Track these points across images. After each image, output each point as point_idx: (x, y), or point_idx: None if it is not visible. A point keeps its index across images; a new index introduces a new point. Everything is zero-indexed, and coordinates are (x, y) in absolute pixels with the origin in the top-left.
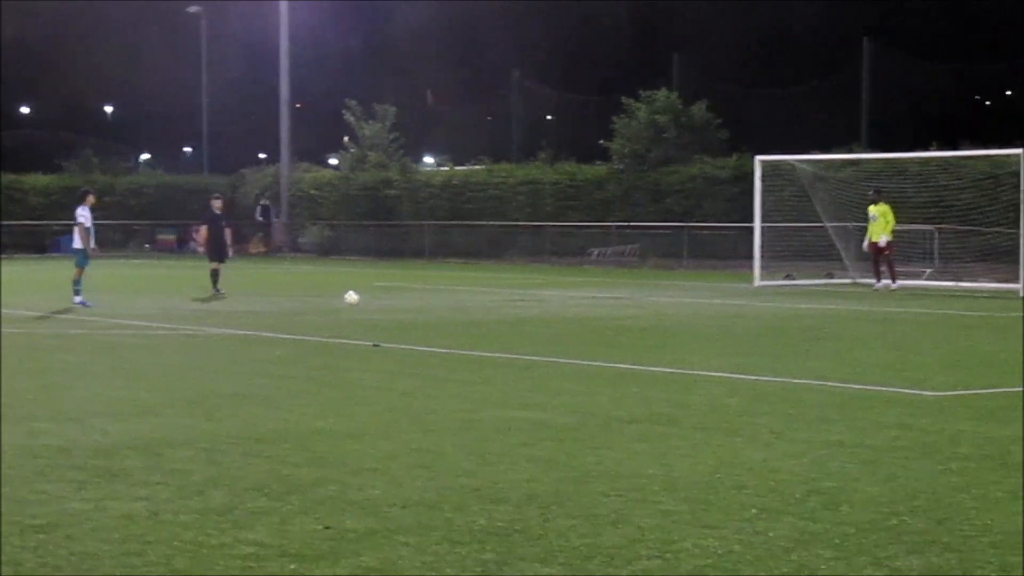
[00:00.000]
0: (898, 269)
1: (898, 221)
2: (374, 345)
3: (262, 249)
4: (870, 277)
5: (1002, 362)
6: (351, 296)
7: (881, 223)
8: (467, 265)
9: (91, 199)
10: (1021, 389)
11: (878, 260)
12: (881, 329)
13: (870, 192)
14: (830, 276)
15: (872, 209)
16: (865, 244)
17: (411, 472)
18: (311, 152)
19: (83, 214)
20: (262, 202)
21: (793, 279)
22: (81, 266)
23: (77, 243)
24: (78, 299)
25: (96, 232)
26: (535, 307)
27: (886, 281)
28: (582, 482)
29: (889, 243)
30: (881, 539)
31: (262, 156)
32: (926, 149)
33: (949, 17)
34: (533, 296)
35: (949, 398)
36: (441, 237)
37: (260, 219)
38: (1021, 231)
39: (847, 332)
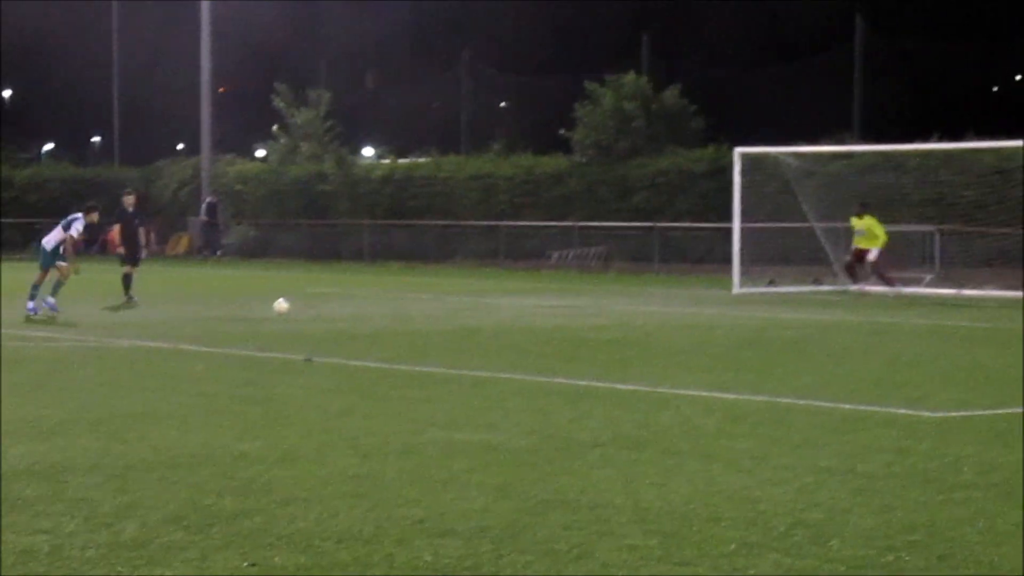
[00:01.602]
0: (895, 275)
1: (896, 220)
2: (306, 359)
3: (180, 251)
4: (861, 284)
5: (1009, 379)
6: (281, 304)
7: (868, 238)
8: (411, 269)
9: (94, 216)
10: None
11: (855, 265)
12: (875, 342)
13: (853, 208)
14: (817, 282)
15: (856, 223)
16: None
17: (347, 502)
18: (236, 142)
19: (78, 228)
20: (208, 199)
21: (776, 285)
22: (44, 268)
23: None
24: (32, 305)
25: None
26: (487, 316)
27: (862, 285)
28: (539, 513)
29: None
30: None
31: (180, 147)
32: (926, 140)
33: None
34: (485, 304)
35: (950, 419)
36: (382, 238)
37: (205, 218)
38: None
39: (837, 345)
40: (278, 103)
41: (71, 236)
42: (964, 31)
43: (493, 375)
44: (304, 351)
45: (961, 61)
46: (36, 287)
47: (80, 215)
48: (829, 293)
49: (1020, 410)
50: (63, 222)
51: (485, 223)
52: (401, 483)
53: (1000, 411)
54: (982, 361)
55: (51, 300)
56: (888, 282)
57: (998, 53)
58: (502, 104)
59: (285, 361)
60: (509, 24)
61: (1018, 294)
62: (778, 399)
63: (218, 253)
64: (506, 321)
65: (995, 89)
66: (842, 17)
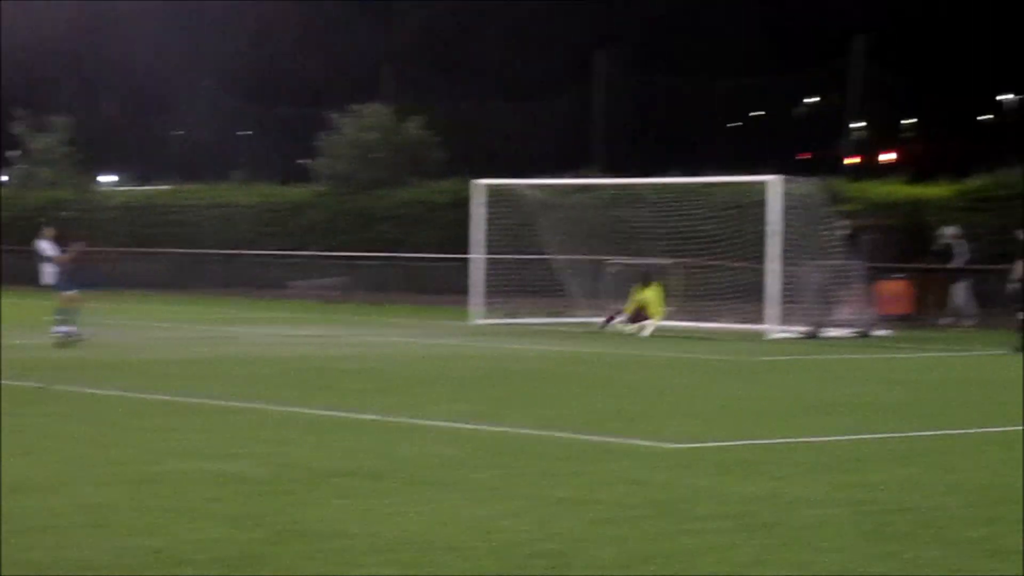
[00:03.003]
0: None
1: (639, 253)
2: (41, 387)
3: None
4: (601, 316)
5: (745, 411)
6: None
7: (652, 310)
8: (149, 297)
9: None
10: (765, 442)
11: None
12: (614, 374)
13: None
14: (558, 314)
15: (640, 294)
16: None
17: (83, 532)
18: None
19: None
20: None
21: (517, 317)
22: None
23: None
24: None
25: None
26: (227, 346)
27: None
28: (277, 542)
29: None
30: None
31: None
32: (666, 174)
33: (692, 31)
34: (225, 333)
35: (687, 451)
36: (119, 266)
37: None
38: (766, 267)
39: (577, 377)
40: (17, 129)
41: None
42: (704, 68)
43: (233, 404)
44: (40, 379)
45: (703, 98)
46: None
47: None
48: (570, 325)
49: (753, 442)
50: None
51: (225, 252)
52: (138, 513)
53: (735, 443)
54: (719, 393)
55: None
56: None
57: (736, 90)
58: (245, 133)
59: (18, 389)
60: (252, 54)
61: (755, 327)
62: (518, 430)
63: None
64: (246, 351)
65: (728, 125)
66: (584, 53)
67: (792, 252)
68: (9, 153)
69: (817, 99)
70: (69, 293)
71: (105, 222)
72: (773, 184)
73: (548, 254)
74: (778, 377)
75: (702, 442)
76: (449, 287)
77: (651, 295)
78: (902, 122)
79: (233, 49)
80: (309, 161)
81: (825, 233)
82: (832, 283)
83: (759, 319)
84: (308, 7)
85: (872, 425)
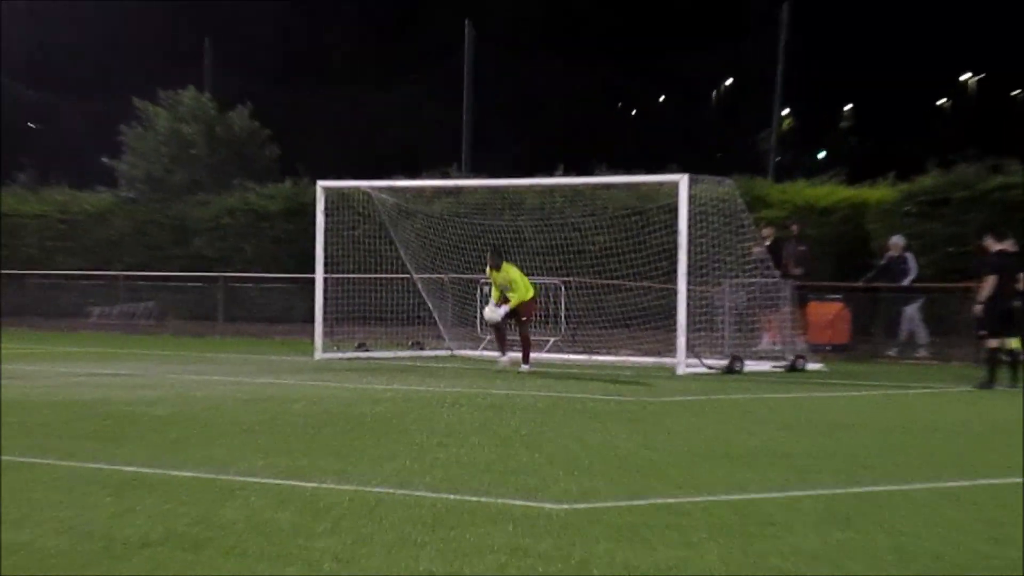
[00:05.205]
0: (515, 338)
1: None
2: None
3: None
4: (470, 348)
5: (648, 463)
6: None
7: (520, 293)
8: None
9: None
10: (673, 501)
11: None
12: (486, 418)
13: (487, 253)
14: (419, 346)
15: (495, 276)
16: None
17: None
18: None
19: None
20: None
21: (368, 350)
22: None
23: None
24: None
25: None
26: (11, 387)
27: (512, 355)
28: None
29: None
30: None
31: None
32: (550, 174)
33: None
34: (7, 372)
35: (576, 512)
36: None
37: None
38: (679, 287)
39: (440, 422)
40: None
41: None
42: (604, 42)
43: (18, 460)
44: None
45: (596, 81)
46: None
47: None
48: (434, 359)
49: (659, 500)
50: None
51: (8, 272)
52: None
53: (636, 502)
54: (614, 442)
55: None
56: (499, 343)
57: (638, 70)
58: (32, 126)
59: None
60: (42, 29)
61: (659, 360)
62: (368, 488)
63: None
64: (33, 393)
65: (633, 112)
66: (451, 26)
67: (705, 269)
68: None
69: (731, 81)
70: None
71: None
72: (681, 185)
73: (407, 273)
74: (688, 421)
75: (596, 501)
76: (285, 314)
77: (511, 273)
78: (839, 109)
79: (15, 23)
80: (112, 160)
81: (745, 245)
82: (753, 306)
83: (665, 350)
84: None
85: (803, 479)
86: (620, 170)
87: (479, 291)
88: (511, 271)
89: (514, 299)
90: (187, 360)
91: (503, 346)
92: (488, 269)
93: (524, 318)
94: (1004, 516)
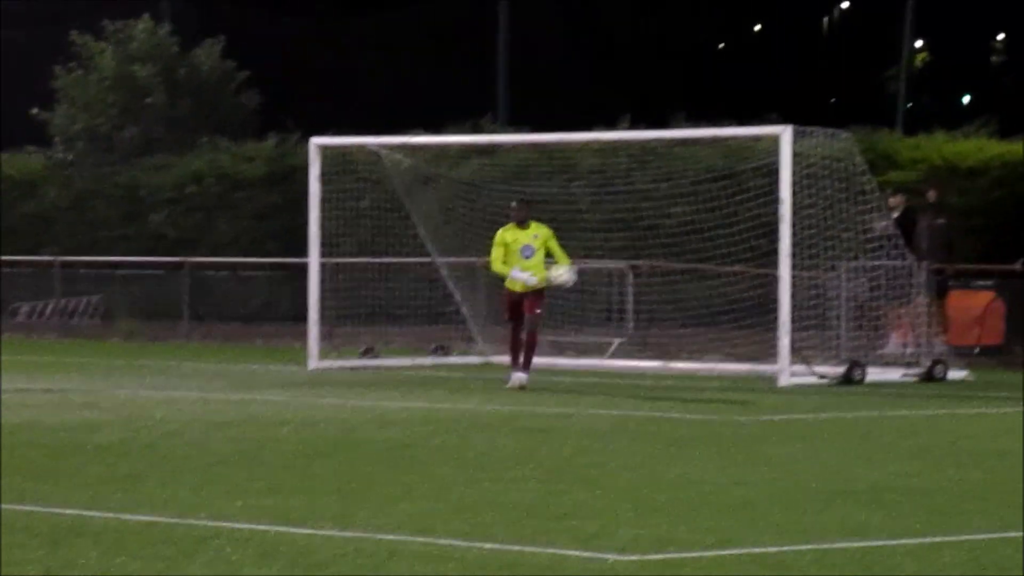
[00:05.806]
0: (570, 339)
1: (569, 254)
2: None
3: None
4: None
5: (738, 503)
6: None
7: (539, 258)
8: None
9: None
10: (772, 550)
11: (520, 330)
12: (530, 445)
13: (511, 203)
14: (443, 351)
15: (517, 236)
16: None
17: None
18: None
19: None
20: None
21: (376, 356)
22: None
23: None
24: None
25: None
26: None
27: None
28: None
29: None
30: None
31: None
32: (612, 128)
33: None
34: None
35: (648, 564)
36: None
37: None
38: (780, 272)
39: (471, 451)
40: None
41: None
42: None
43: None
44: None
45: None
46: None
47: None
48: (460, 368)
49: (753, 550)
50: None
51: None
52: None
53: (724, 552)
54: (697, 475)
55: None
56: (525, 356)
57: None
58: None
59: None
60: None
61: (757, 367)
62: (377, 536)
63: None
64: None
65: (720, 47)
66: None
67: (815, 248)
68: None
69: (848, 4)
70: None
71: None
72: (783, 139)
73: (427, 256)
74: (793, 447)
75: (673, 551)
76: (269, 311)
77: (544, 233)
78: (990, 40)
79: None
80: (43, 112)
81: (866, 218)
82: (878, 297)
83: (762, 355)
84: None
85: (943, 523)
86: (703, 122)
87: None
88: (542, 230)
89: (542, 275)
90: (142, 371)
91: (518, 354)
92: (510, 226)
93: (538, 310)
94: None
